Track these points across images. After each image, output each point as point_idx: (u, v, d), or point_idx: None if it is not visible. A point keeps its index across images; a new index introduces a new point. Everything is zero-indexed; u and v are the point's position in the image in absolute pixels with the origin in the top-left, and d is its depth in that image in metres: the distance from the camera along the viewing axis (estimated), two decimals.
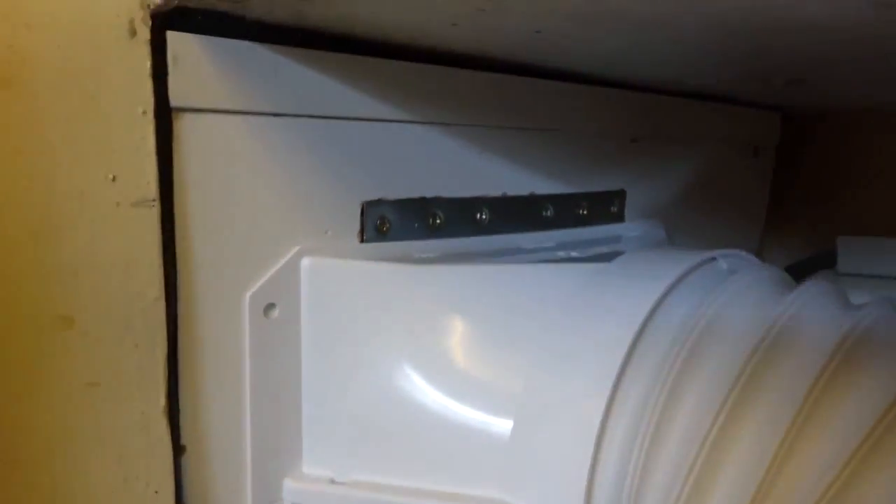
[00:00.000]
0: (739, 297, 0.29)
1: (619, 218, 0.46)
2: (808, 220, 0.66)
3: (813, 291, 0.29)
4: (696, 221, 0.54)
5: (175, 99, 0.26)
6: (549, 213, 0.41)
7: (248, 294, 0.29)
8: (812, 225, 0.66)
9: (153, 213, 0.26)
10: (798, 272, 0.64)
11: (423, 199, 0.35)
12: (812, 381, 0.25)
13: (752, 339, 0.26)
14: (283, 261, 0.30)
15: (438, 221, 0.35)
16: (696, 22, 0.26)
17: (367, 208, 0.33)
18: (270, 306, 0.30)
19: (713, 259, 0.32)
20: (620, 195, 0.46)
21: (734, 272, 0.32)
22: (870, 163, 0.61)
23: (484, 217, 0.38)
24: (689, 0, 0.23)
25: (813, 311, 0.28)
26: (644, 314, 0.29)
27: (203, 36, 0.27)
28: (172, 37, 0.26)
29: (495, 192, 0.38)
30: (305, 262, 0.31)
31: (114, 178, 0.25)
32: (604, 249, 0.39)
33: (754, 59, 0.36)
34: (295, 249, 0.30)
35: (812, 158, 0.64)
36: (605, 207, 0.45)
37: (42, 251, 0.24)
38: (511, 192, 0.39)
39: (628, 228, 0.46)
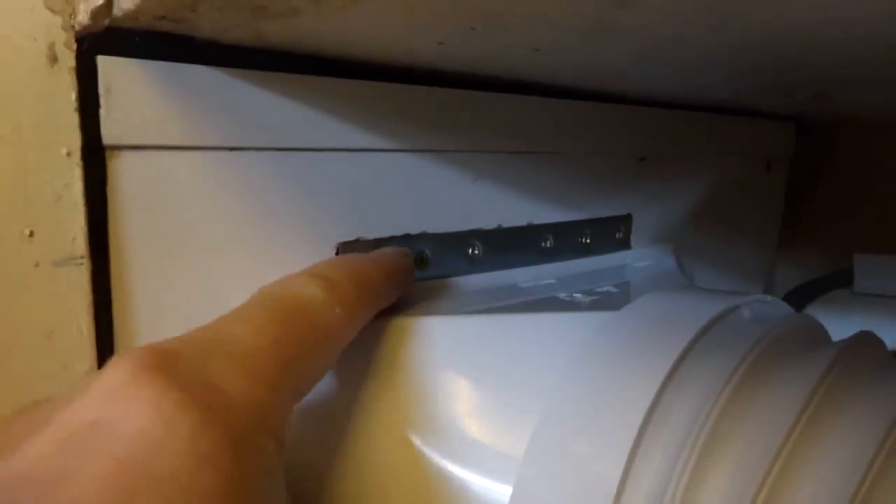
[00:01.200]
0: (769, 357, 0.25)
1: (624, 245, 0.42)
2: (823, 237, 0.62)
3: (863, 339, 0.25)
4: (707, 243, 0.51)
5: (109, 136, 0.22)
6: (548, 243, 0.37)
7: None
8: (827, 242, 0.62)
9: (82, 272, 0.22)
10: (812, 291, 0.60)
11: (406, 237, 0.31)
12: (872, 455, 0.21)
13: (790, 415, 0.22)
14: None
15: (425, 260, 0.31)
16: (726, 41, 0.22)
17: (343, 250, 0.29)
18: None
19: (736, 307, 0.28)
20: (626, 220, 0.42)
21: (762, 321, 0.28)
22: (890, 176, 0.57)
23: (476, 252, 0.34)
24: (720, 17, 0.19)
25: (859, 372, 0.24)
26: (665, 371, 0.25)
27: (143, 60, 0.22)
28: (104, 62, 0.22)
29: (489, 224, 0.34)
30: None
31: (31, 234, 0.21)
32: (609, 287, 0.35)
33: (781, 75, 0.32)
34: None
35: (828, 171, 0.61)
36: (609, 234, 0.41)
37: None
38: (507, 224, 0.35)
39: (635, 256, 0.42)
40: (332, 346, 0.21)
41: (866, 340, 0.26)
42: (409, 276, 0.27)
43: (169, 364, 0.15)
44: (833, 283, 0.59)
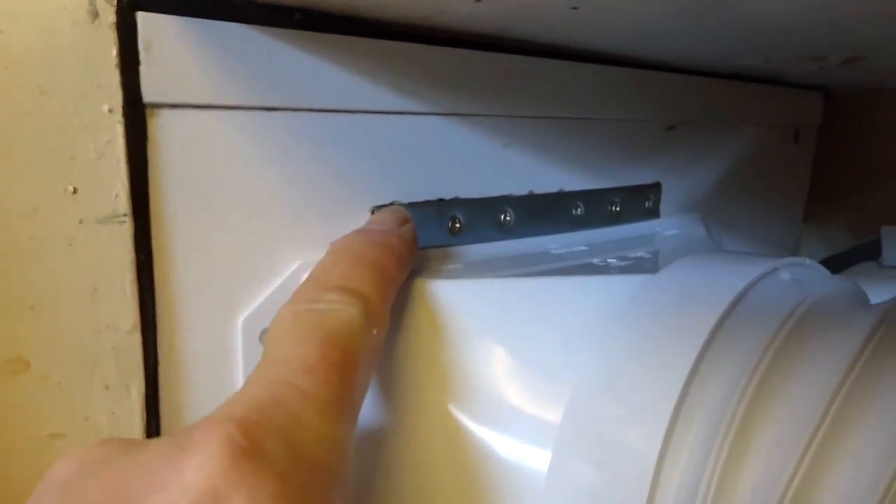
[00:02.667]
0: (812, 318, 0.25)
1: (654, 213, 0.42)
2: (851, 208, 0.61)
3: None
4: (735, 212, 0.50)
5: (149, 93, 0.22)
6: (579, 211, 0.37)
7: (241, 319, 0.25)
8: (854, 213, 0.61)
9: (124, 230, 0.22)
10: (839, 264, 0.60)
11: (440, 202, 0.31)
12: None
13: (837, 374, 0.22)
14: (281, 279, 0.26)
15: (458, 225, 0.31)
16: None
17: None
18: (266, 331, 0.26)
19: (775, 269, 0.28)
20: (655, 188, 0.42)
21: (801, 284, 0.28)
22: None
23: (508, 219, 0.33)
24: None
25: None
26: (704, 337, 0.24)
27: (181, 17, 0.22)
28: (144, 19, 0.21)
29: (521, 190, 0.34)
30: None
31: (74, 191, 0.21)
32: (641, 253, 0.35)
33: (816, 36, 0.31)
34: (296, 265, 0.26)
35: (855, 141, 0.60)
36: (639, 203, 0.41)
37: None
38: (538, 190, 0.35)
39: (664, 225, 0.42)
40: (373, 366, 0.22)
41: None
42: (415, 248, 0.27)
43: (260, 455, 0.16)
44: (860, 255, 0.59)
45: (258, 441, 0.16)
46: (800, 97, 0.54)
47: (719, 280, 0.27)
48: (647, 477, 0.22)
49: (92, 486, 0.16)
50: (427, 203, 0.30)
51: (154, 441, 0.17)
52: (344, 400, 0.19)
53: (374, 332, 0.22)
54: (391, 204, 0.29)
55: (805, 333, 0.24)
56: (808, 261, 0.30)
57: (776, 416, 0.22)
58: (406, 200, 0.29)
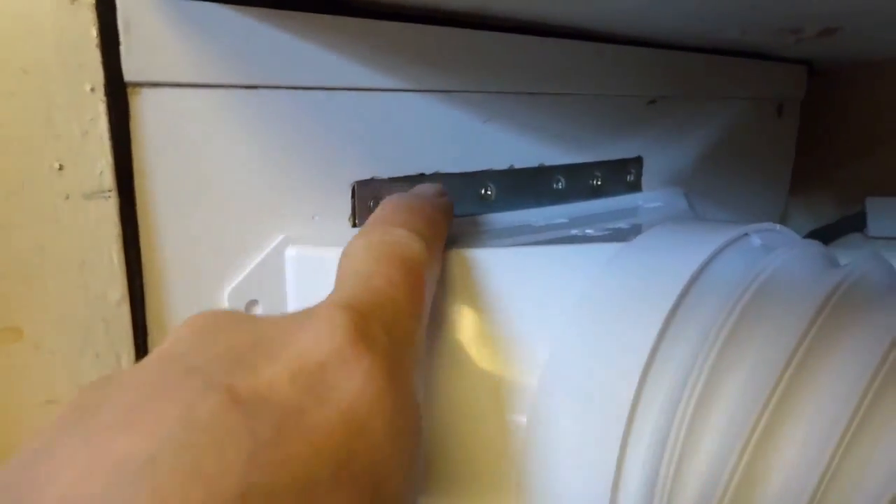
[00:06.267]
0: (780, 274, 0.26)
1: (635, 187, 0.42)
2: (836, 181, 0.62)
3: (868, 263, 0.26)
4: (718, 186, 0.51)
5: (130, 72, 0.23)
6: (560, 185, 0.38)
7: (227, 290, 0.26)
8: (839, 186, 0.62)
9: (110, 205, 0.23)
10: (825, 236, 0.61)
11: (421, 177, 0.31)
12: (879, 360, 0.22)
13: (798, 330, 0.23)
14: (265, 252, 0.27)
15: None
16: None
17: (359, 189, 0.29)
18: (253, 303, 0.26)
19: (746, 235, 0.29)
20: (637, 162, 0.42)
21: (771, 249, 0.28)
22: None
23: (489, 192, 0.34)
24: None
25: (872, 279, 0.25)
26: (674, 297, 0.25)
27: None
28: None
29: (501, 164, 0.35)
30: (290, 251, 0.27)
31: (60, 168, 0.21)
32: (621, 224, 0.35)
33: (789, 7, 0.32)
34: (279, 238, 0.27)
35: (840, 115, 0.60)
36: (620, 176, 0.41)
37: None
38: (518, 165, 0.35)
39: (646, 198, 0.42)
40: (432, 294, 0.25)
41: (871, 259, 0.26)
42: (452, 216, 0.30)
43: (372, 337, 0.19)
44: (846, 227, 0.59)
45: (370, 327, 0.19)
46: (783, 71, 0.55)
47: (691, 245, 0.28)
48: (621, 423, 0.23)
49: (229, 336, 0.18)
50: (407, 178, 0.31)
51: (278, 315, 0.19)
52: (421, 311, 0.23)
53: (434, 266, 0.25)
54: (371, 179, 0.30)
55: (768, 294, 0.25)
56: (777, 226, 0.30)
57: (739, 370, 0.23)
58: (386, 175, 0.30)
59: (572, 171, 0.38)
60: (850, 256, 0.29)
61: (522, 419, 0.27)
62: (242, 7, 0.25)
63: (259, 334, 0.18)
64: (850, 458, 0.21)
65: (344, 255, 0.24)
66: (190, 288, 0.25)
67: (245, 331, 0.18)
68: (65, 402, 0.22)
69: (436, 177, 0.32)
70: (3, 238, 0.21)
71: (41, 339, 0.22)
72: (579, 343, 0.27)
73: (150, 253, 0.24)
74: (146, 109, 0.23)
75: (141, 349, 0.24)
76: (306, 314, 0.19)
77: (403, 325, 0.21)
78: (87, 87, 0.22)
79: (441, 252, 0.27)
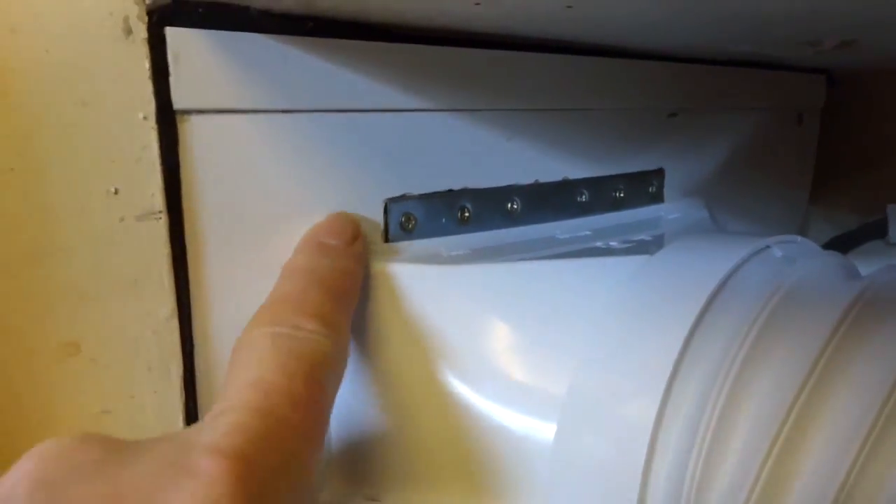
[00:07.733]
0: (802, 287, 0.27)
1: (657, 198, 0.43)
2: (856, 188, 0.62)
3: (888, 274, 0.26)
4: (739, 196, 0.51)
5: (178, 101, 0.24)
6: (583, 198, 0.39)
7: None
8: (859, 193, 0.62)
9: (160, 226, 0.24)
10: (846, 243, 0.61)
11: (450, 192, 0.33)
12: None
13: (819, 341, 0.24)
14: None
15: (467, 215, 0.33)
16: None
17: (391, 206, 0.31)
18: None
19: (767, 247, 0.30)
20: (659, 174, 0.43)
21: (792, 261, 0.29)
22: None
23: (516, 207, 0.35)
24: None
25: (892, 290, 0.26)
26: (697, 310, 0.26)
27: (205, 30, 0.24)
28: (172, 33, 0.24)
29: (527, 179, 0.36)
30: None
31: (116, 191, 0.23)
32: (644, 236, 0.36)
33: (808, 20, 0.33)
34: None
35: (859, 122, 0.61)
36: (642, 188, 0.42)
37: (42, 274, 0.22)
38: (543, 179, 0.36)
39: (668, 209, 0.43)
40: (336, 394, 0.24)
41: (891, 271, 0.27)
42: (365, 260, 0.28)
43: (259, 498, 0.17)
44: (867, 234, 0.60)
45: (257, 485, 0.17)
46: (802, 81, 0.55)
47: (713, 258, 0.29)
48: (645, 436, 0.24)
49: (82, 492, 0.15)
50: (437, 194, 0.32)
51: (147, 449, 0.17)
52: (323, 430, 0.22)
53: (341, 362, 0.24)
54: (402, 196, 0.31)
55: (790, 306, 0.26)
56: (799, 238, 0.31)
57: (762, 383, 0.24)
58: (417, 192, 0.31)
59: (595, 185, 0.39)
60: (870, 267, 0.30)
61: (549, 432, 0.28)
62: (280, 36, 0.26)
63: (119, 489, 0.15)
64: (870, 468, 0.22)
65: (245, 344, 0.22)
66: (233, 305, 0.26)
67: (102, 483, 0.15)
68: (118, 412, 0.23)
69: (464, 192, 0.33)
70: (64, 259, 0.22)
71: (97, 354, 0.23)
72: (604, 355, 0.27)
73: (196, 270, 0.25)
74: (194, 134, 0.25)
75: (188, 362, 0.25)
76: (184, 459, 0.16)
77: (301, 457, 0.19)
78: (140, 116, 0.23)
79: (348, 331, 0.25)
